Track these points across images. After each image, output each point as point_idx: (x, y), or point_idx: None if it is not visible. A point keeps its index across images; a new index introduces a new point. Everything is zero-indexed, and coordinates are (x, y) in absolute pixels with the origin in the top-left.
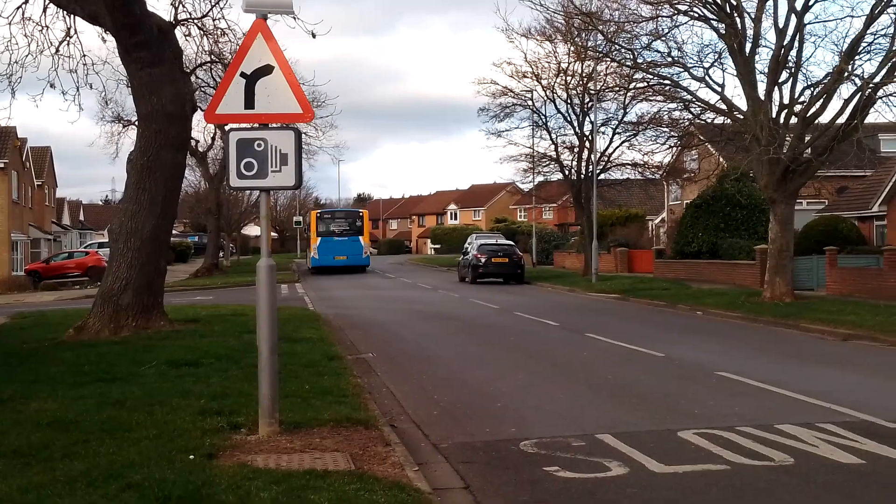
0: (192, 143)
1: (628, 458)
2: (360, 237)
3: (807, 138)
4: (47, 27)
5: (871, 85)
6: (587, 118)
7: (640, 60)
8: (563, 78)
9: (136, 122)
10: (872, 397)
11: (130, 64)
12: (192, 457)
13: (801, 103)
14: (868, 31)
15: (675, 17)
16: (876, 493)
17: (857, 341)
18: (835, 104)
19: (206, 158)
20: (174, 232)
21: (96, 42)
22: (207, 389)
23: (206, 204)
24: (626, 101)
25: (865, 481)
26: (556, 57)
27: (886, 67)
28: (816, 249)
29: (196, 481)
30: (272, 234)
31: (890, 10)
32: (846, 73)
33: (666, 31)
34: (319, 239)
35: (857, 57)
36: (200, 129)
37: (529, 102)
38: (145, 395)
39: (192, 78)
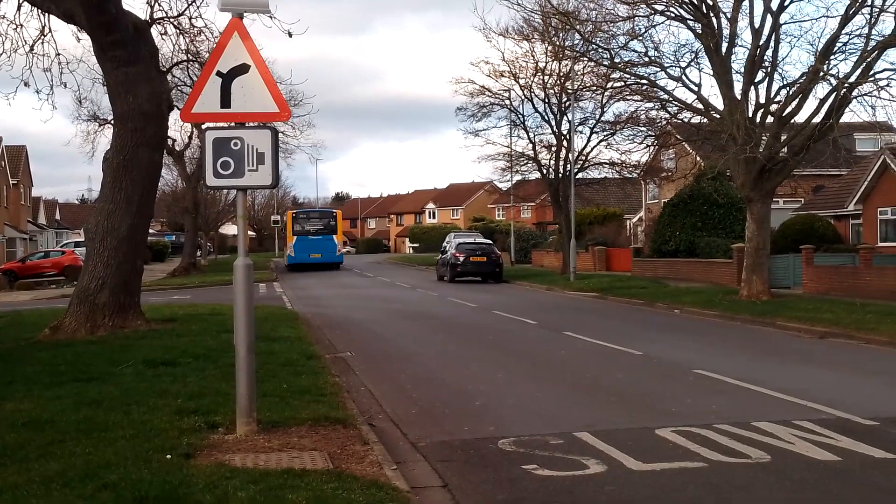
0: (169, 142)
1: (606, 456)
2: (334, 236)
3: (783, 137)
4: (21, 25)
5: (846, 85)
6: (565, 117)
7: (617, 60)
8: (541, 77)
9: (113, 121)
10: (848, 395)
11: (106, 63)
12: (169, 456)
13: (777, 103)
14: (843, 32)
15: (651, 17)
16: (851, 489)
17: (833, 339)
18: (810, 104)
19: (184, 157)
20: (151, 231)
21: (71, 41)
22: (184, 389)
23: (184, 203)
24: (604, 101)
25: (841, 478)
26: (533, 56)
27: (861, 67)
28: (793, 248)
29: (173, 481)
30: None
31: (864, 10)
32: (821, 73)
33: (643, 30)
34: (295, 238)
35: (832, 57)
36: (177, 128)
37: (507, 102)
38: (122, 394)
39: (169, 77)
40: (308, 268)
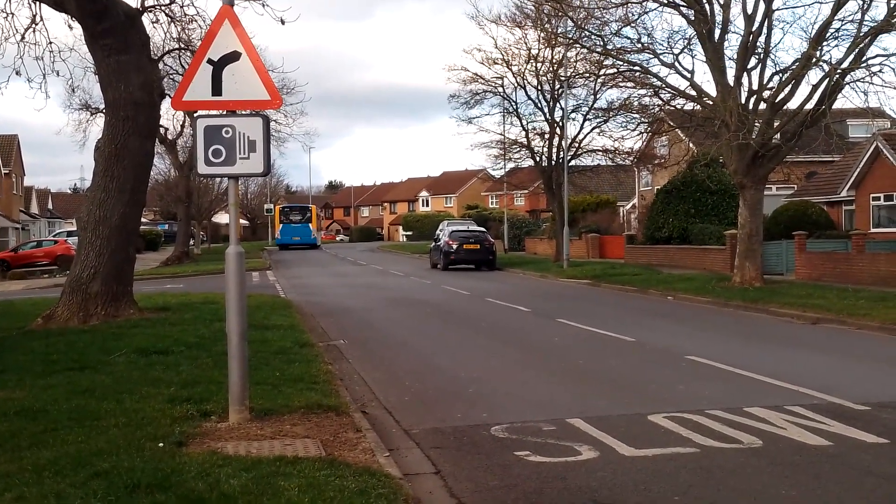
0: (162, 130)
1: (599, 443)
2: (310, 224)
3: (776, 124)
4: (12, 14)
5: (838, 71)
6: (558, 104)
7: (609, 47)
8: (534, 64)
9: (104, 110)
10: (840, 380)
11: (97, 51)
12: (161, 444)
13: (770, 89)
14: (836, 17)
15: (644, 4)
16: (843, 473)
17: (825, 325)
18: (803, 90)
19: (176, 146)
20: (144, 220)
21: (63, 29)
22: (177, 377)
23: (176, 192)
24: (597, 88)
25: (832, 462)
26: (526, 43)
27: (854, 53)
28: (786, 234)
29: (165, 469)
30: (243, 221)
31: None
32: (814, 59)
33: (635, 17)
34: (281, 225)
35: (824, 43)
36: (169, 116)
37: (500, 89)
38: (114, 383)
39: (160, 65)
40: (291, 247)
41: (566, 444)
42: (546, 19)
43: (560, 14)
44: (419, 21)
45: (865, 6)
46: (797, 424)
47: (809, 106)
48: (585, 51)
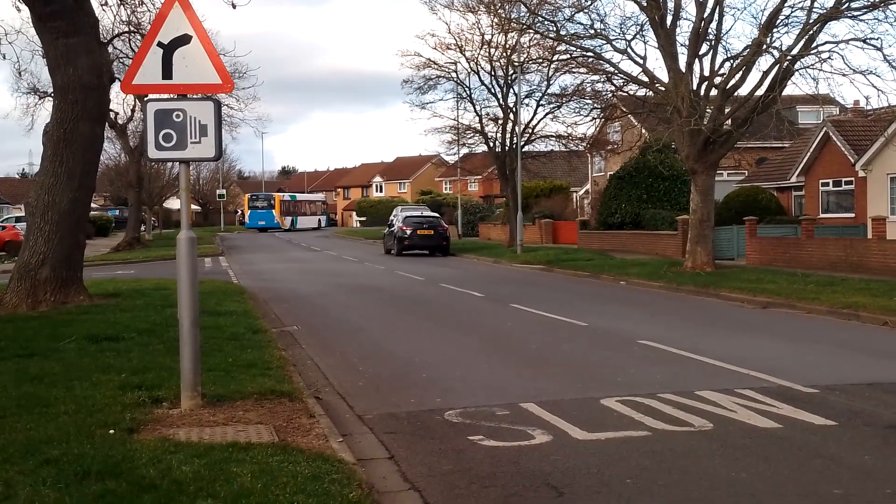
0: (112, 115)
1: (552, 427)
2: (273, 210)
3: (727, 110)
4: None
5: (788, 57)
6: (511, 90)
7: (563, 32)
8: (487, 50)
9: (53, 94)
10: (789, 363)
11: (45, 34)
12: (112, 431)
13: (721, 75)
14: (785, 4)
15: None
16: (791, 455)
17: (775, 309)
18: (754, 76)
19: (126, 131)
20: (94, 206)
21: (10, 12)
22: (128, 364)
23: (127, 177)
24: (550, 73)
25: (781, 444)
26: (479, 29)
27: (804, 40)
28: (737, 220)
29: (116, 456)
30: (195, 207)
31: None
32: (764, 46)
33: (589, 3)
34: (250, 211)
35: (774, 29)
36: (119, 100)
37: (453, 74)
38: (64, 370)
39: (110, 48)
40: (258, 230)
41: (519, 429)
42: (499, 4)
43: (513, 0)
44: (379, 5)
45: None
46: (747, 407)
47: (760, 92)
48: (539, 36)
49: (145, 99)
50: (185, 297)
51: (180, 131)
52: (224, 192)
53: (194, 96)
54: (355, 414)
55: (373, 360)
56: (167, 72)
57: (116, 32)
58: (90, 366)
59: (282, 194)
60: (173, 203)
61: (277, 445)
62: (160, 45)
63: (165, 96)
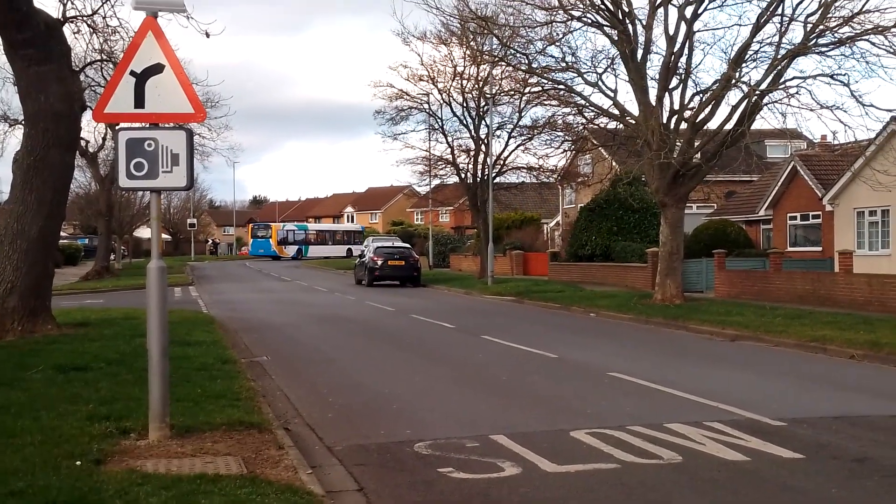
0: (83, 143)
1: (521, 459)
2: (270, 239)
3: (696, 143)
4: None
5: (757, 92)
6: (483, 122)
7: (535, 65)
8: (459, 81)
9: (23, 121)
10: (758, 396)
11: (17, 61)
12: (78, 463)
13: (691, 109)
14: (754, 40)
15: (569, 23)
16: (759, 488)
17: (743, 342)
18: (723, 110)
19: (97, 159)
20: (64, 234)
21: None
22: (96, 394)
23: (97, 205)
24: (522, 105)
25: (750, 477)
26: (451, 60)
27: (772, 75)
28: (706, 252)
29: (82, 487)
30: (165, 236)
31: (774, 19)
32: (734, 80)
33: (560, 36)
34: (252, 239)
35: (743, 64)
36: (91, 129)
37: (426, 106)
38: (31, 400)
39: (82, 76)
40: (257, 258)
41: (489, 461)
42: (472, 37)
43: (486, 32)
44: (353, 37)
45: (783, 29)
46: (716, 440)
47: (729, 126)
48: (511, 69)
49: (117, 127)
50: (155, 328)
51: (152, 160)
52: (195, 221)
53: (166, 125)
54: (325, 445)
55: (343, 391)
56: (139, 100)
57: (89, 61)
58: (57, 396)
59: (283, 224)
60: (143, 232)
61: (246, 477)
62: (133, 73)
63: (137, 125)
